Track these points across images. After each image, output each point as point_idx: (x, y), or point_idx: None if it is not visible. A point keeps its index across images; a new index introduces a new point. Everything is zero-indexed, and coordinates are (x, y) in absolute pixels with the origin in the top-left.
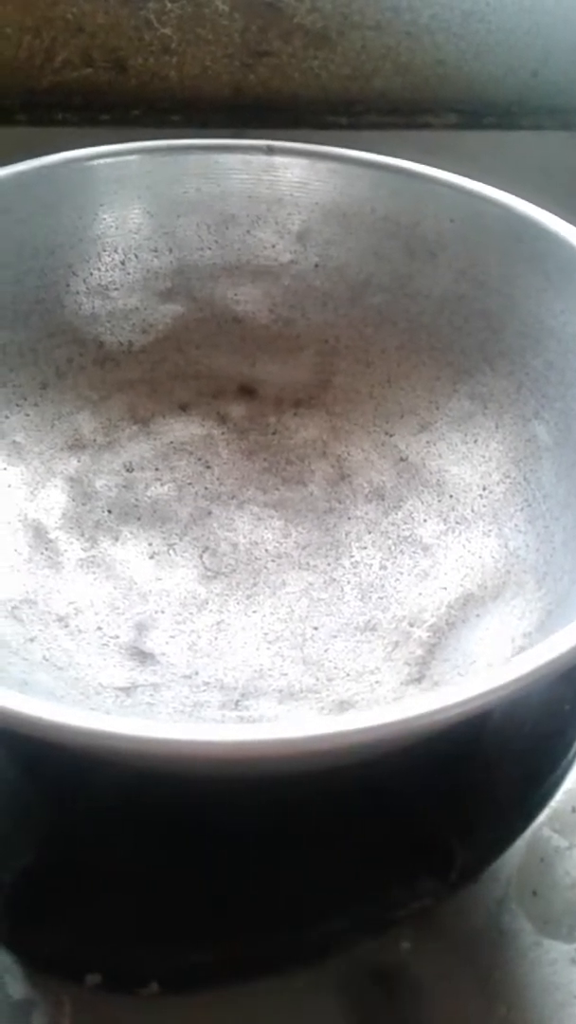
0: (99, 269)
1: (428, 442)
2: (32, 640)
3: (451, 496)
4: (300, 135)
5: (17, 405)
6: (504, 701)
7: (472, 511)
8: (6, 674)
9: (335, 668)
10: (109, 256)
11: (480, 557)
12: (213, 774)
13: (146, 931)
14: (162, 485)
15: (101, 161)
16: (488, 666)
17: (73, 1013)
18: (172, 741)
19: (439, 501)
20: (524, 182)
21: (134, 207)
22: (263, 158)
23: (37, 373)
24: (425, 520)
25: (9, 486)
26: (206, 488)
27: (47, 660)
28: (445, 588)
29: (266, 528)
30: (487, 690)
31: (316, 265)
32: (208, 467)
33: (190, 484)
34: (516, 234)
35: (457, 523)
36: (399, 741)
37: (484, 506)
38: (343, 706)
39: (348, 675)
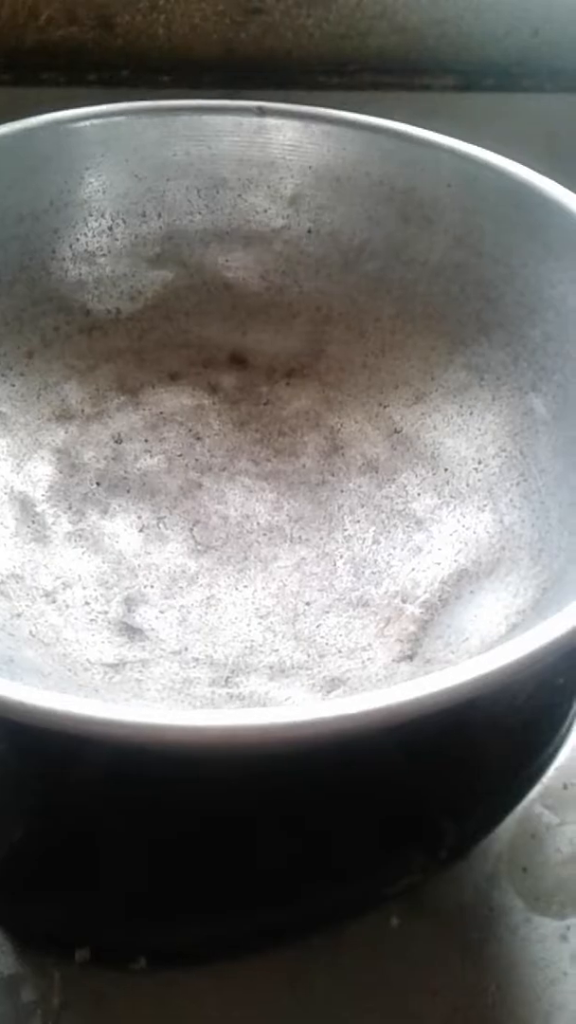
0: (86, 234)
1: (423, 413)
2: (19, 616)
3: (446, 469)
4: (293, 96)
5: (2, 375)
6: (496, 687)
7: (467, 485)
8: None
9: (327, 644)
10: (96, 221)
11: (475, 532)
12: (202, 755)
13: (136, 907)
14: (152, 457)
15: (86, 123)
16: (481, 644)
17: (62, 988)
18: (155, 727)
19: (433, 474)
20: (524, 146)
21: (121, 170)
22: (254, 120)
23: (22, 342)
24: (419, 494)
25: None
26: (196, 460)
27: (34, 636)
28: (439, 563)
29: (257, 501)
30: (478, 676)
31: (309, 230)
32: (198, 438)
33: (180, 455)
34: (515, 201)
35: (452, 497)
36: (385, 726)
37: (479, 480)
38: (334, 683)
39: (340, 652)
